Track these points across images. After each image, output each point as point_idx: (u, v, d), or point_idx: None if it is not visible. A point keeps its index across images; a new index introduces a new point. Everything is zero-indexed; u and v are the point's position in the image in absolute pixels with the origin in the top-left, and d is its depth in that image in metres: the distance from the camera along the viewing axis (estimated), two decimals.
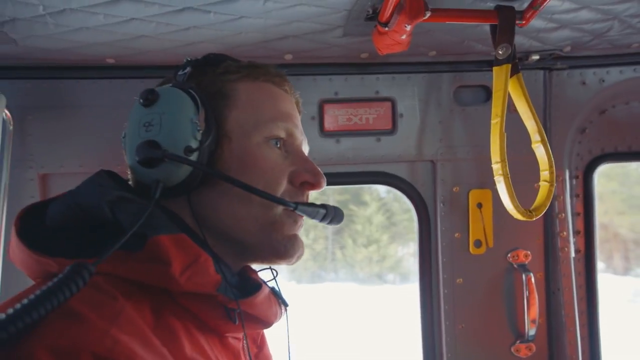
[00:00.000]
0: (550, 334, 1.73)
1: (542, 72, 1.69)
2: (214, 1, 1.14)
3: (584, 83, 1.70)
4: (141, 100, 0.84)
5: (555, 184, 1.37)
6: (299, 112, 1.01)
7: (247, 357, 0.90)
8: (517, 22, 1.25)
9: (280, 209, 0.87)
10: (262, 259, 0.91)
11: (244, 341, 0.90)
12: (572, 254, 1.74)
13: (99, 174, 0.83)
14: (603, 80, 1.69)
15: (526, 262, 1.70)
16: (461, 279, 1.70)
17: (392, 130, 1.67)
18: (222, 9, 1.18)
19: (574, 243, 1.75)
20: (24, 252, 0.74)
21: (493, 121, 1.34)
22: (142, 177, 0.83)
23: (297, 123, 0.95)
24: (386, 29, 1.22)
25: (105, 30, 1.25)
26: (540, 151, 1.37)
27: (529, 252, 1.71)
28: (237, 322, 0.79)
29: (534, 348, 1.70)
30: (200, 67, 0.92)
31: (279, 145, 0.91)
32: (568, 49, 1.56)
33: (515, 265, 1.70)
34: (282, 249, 0.88)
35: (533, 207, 1.39)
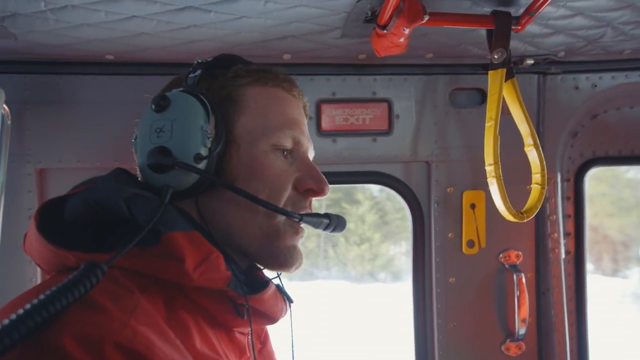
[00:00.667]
0: (540, 333, 1.76)
1: (536, 76, 1.72)
2: (215, 1, 1.15)
3: (577, 88, 1.73)
4: (153, 106, 0.86)
5: (546, 187, 1.40)
6: (306, 115, 1.03)
7: (252, 352, 0.92)
8: (513, 27, 1.28)
9: (283, 217, 0.90)
10: (263, 264, 0.94)
11: (249, 336, 0.93)
12: (563, 255, 1.77)
13: (115, 172, 0.85)
14: (595, 86, 1.73)
15: (517, 263, 1.73)
16: (454, 279, 1.72)
17: (388, 131, 1.69)
18: (223, 9, 1.19)
19: (565, 244, 1.79)
20: (42, 245, 0.76)
21: (487, 124, 1.36)
22: (152, 180, 0.85)
23: (303, 129, 0.97)
24: (385, 31, 1.24)
25: (106, 27, 1.26)
26: (532, 154, 1.40)
27: (520, 253, 1.74)
28: (245, 317, 0.82)
29: (523, 347, 1.73)
30: (211, 69, 0.94)
31: (285, 153, 0.93)
32: (562, 54, 1.59)
33: (506, 266, 1.73)
34: (282, 258, 0.90)
35: (525, 209, 1.42)
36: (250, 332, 0.93)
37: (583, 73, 1.72)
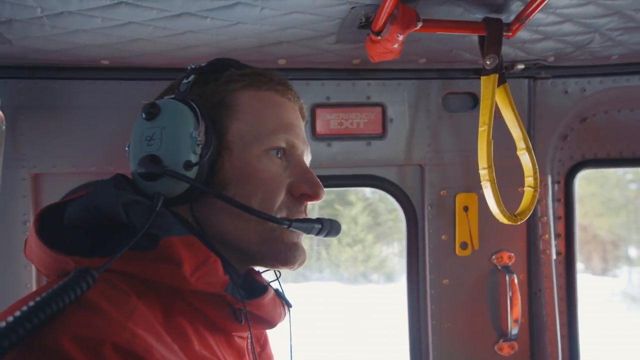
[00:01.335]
0: (532, 333, 1.79)
1: (526, 80, 1.75)
2: (212, 7, 1.16)
3: (566, 92, 1.76)
4: (143, 114, 0.87)
5: (539, 190, 1.43)
6: (303, 118, 1.02)
7: (251, 356, 0.93)
8: (504, 33, 1.30)
9: None
10: (265, 264, 0.94)
11: (249, 340, 0.93)
12: (554, 256, 1.80)
13: (115, 178, 0.86)
14: (584, 90, 1.76)
15: (510, 264, 1.76)
16: (447, 280, 1.74)
17: (382, 135, 1.71)
18: (219, 15, 1.20)
19: (555, 246, 1.82)
20: (42, 250, 0.76)
21: (481, 129, 1.38)
22: (144, 187, 0.86)
23: (299, 133, 0.96)
24: (379, 37, 1.25)
25: (102, 33, 1.26)
26: (525, 158, 1.43)
27: (512, 254, 1.76)
28: (243, 322, 0.82)
29: (516, 347, 1.76)
30: (204, 75, 0.93)
31: (279, 155, 0.92)
32: (552, 59, 1.62)
33: (499, 267, 1.76)
34: (283, 256, 0.90)
35: (518, 211, 1.44)
36: (249, 336, 0.93)
37: (572, 78, 1.75)
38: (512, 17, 1.28)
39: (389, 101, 1.71)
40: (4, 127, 1.48)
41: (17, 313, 0.58)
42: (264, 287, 0.90)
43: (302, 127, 0.99)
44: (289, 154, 0.94)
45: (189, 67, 0.95)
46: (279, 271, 1.00)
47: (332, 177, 1.72)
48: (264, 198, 0.88)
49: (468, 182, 1.74)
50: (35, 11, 1.14)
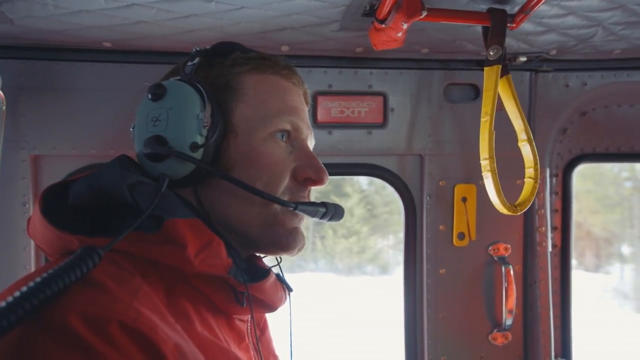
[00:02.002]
0: (526, 324, 1.81)
1: (528, 73, 1.75)
2: None
3: (567, 85, 1.77)
4: (149, 95, 0.86)
5: (539, 181, 1.44)
6: (307, 103, 1.02)
7: (252, 339, 0.93)
8: (508, 24, 1.30)
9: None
10: (264, 250, 0.94)
11: (249, 324, 0.94)
12: (549, 249, 1.82)
13: (120, 159, 0.85)
14: (585, 84, 1.77)
15: (506, 255, 1.78)
16: (444, 270, 1.76)
17: (383, 124, 1.71)
18: None
19: (552, 238, 1.84)
20: (46, 229, 0.76)
21: (483, 119, 1.39)
22: (150, 169, 0.85)
23: (303, 117, 0.96)
24: (383, 25, 1.25)
25: (105, 14, 1.25)
26: (526, 149, 1.43)
27: (509, 246, 1.78)
28: (244, 305, 0.83)
29: (510, 337, 1.78)
30: (209, 57, 0.93)
31: (284, 139, 0.92)
32: (554, 52, 1.62)
33: (495, 258, 1.78)
34: (284, 241, 0.90)
35: (518, 202, 1.45)
36: (250, 319, 0.94)
37: (574, 71, 1.75)
38: (517, 9, 1.28)
39: (391, 90, 1.71)
40: (4, 108, 1.47)
41: (24, 288, 0.58)
42: (265, 271, 0.91)
43: (306, 111, 0.99)
44: (293, 138, 0.94)
45: (193, 50, 0.95)
46: (280, 257, 1.01)
47: (332, 165, 1.72)
48: (269, 182, 0.88)
49: (467, 173, 1.75)
50: None
